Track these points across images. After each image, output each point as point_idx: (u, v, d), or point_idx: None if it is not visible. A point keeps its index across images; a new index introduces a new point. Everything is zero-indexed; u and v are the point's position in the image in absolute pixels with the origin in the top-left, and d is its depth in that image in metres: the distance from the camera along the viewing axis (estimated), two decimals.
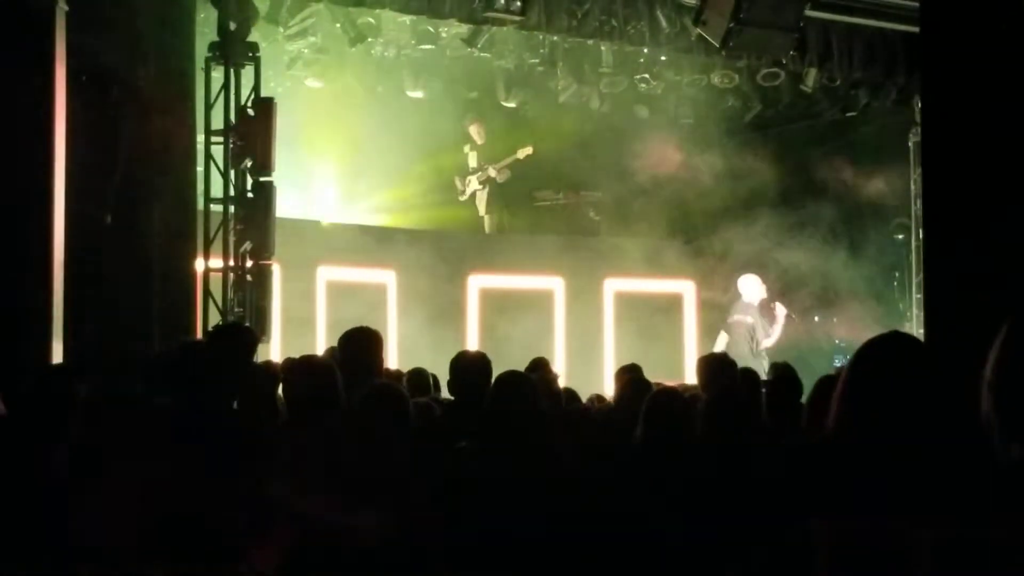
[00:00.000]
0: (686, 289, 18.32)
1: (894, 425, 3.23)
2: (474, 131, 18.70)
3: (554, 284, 17.32)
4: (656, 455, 6.04)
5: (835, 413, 3.35)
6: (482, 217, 18.79)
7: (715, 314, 17.67)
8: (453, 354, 7.21)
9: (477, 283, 16.97)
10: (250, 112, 13.33)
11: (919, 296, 16.75)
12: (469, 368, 7.02)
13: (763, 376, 14.68)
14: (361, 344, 6.89)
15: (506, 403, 5.74)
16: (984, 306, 6.67)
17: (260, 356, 13.40)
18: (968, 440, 3.16)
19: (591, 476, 5.92)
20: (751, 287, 15.98)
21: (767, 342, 15.61)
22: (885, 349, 3.40)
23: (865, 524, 3.21)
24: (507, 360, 7.43)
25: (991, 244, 6.81)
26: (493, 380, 5.89)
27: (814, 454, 3.38)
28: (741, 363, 14.51)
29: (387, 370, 8.32)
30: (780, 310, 15.91)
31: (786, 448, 3.45)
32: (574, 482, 5.71)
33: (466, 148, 18.79)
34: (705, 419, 6.16)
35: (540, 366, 9.64)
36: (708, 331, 17.61)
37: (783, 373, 8.95)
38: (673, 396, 6.38)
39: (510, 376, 5.99)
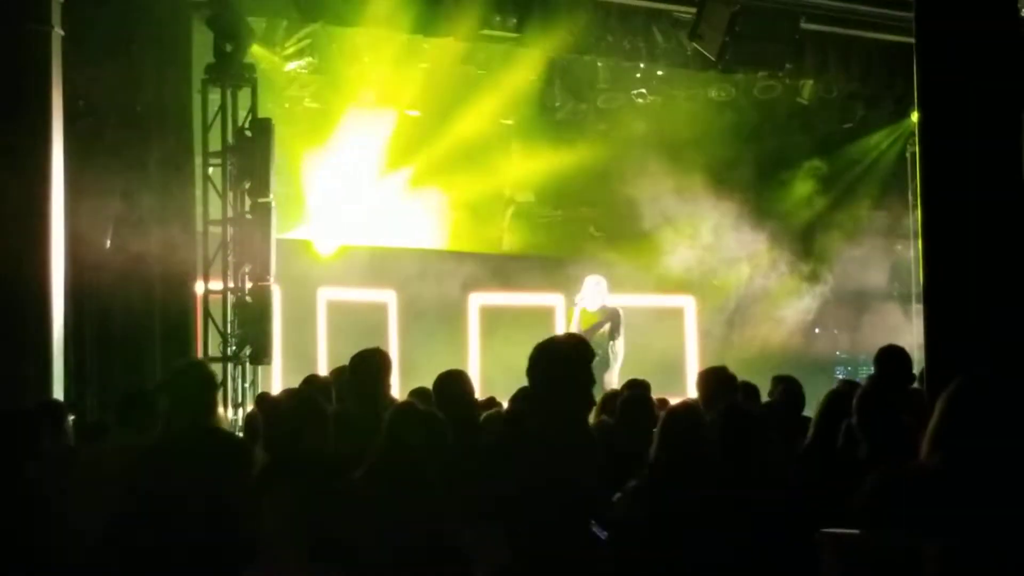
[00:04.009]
0: (686, 304, 18.31)
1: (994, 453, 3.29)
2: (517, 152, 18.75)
3: (555, 301, 17.28)
4: (673, 472, 6.02)
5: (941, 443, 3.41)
6: (503, 235, 18.90)
7: (716, 328, 17.71)
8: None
9: (478, 301, 16.94)
10: (248, 133, 13.35)
11: (919, 306, 16.73)
12: (453, 385, 7.10)
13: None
14: (370, 365, 6.93)
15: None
16: (984, 316, 6.66)
17: (262, 378, 13.46)
18: None
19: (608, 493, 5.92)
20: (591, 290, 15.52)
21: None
22: (982, 391, 3.48)
23: (871, 537, 3.22)
24: (510, 378, 7.43)
25: (989, 253, 6.81)
26: (511, 397, 5.90)
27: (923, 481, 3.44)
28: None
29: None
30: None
31: (883, 473, 3.57)
32: (593, 500, 5.70)
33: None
34: (718, 435, 6.14)
35: None
36: (708, 345, 17.62)
37: (788, 387, 8.94)
38: (688, 412, 6.34)
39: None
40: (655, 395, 8.98)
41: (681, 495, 5.83)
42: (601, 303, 15.01)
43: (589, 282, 15.17)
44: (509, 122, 18.34)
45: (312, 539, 5.28)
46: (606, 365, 14.93)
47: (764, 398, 8.89)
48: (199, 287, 13.10)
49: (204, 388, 6.37)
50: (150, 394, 8.01)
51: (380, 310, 16.16)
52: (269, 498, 5.50)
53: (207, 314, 13.15)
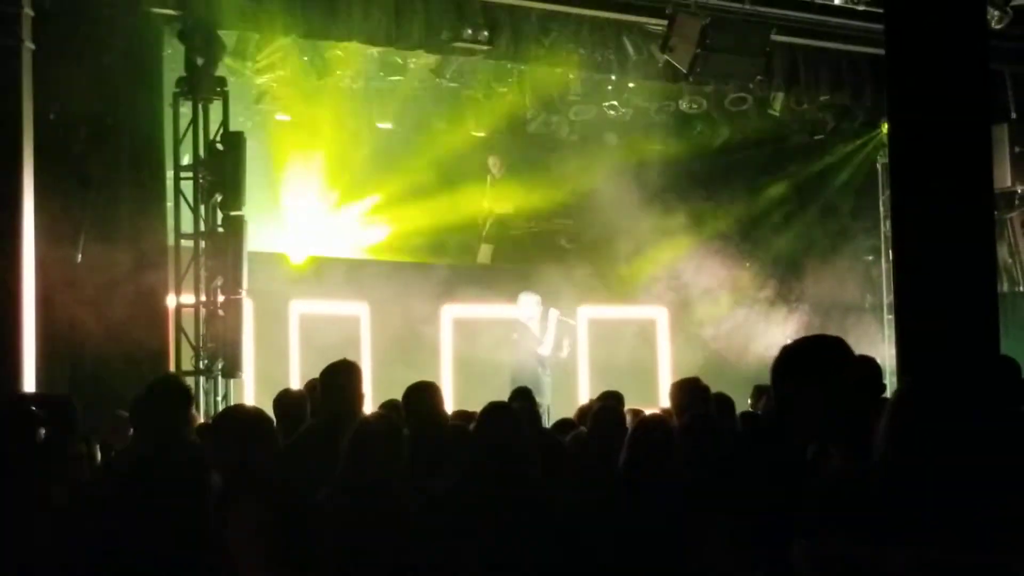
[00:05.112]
0: (659, 315, 18.34)
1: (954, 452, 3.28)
2: (492, 164, 18.75)
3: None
4: (640, 482, 6.04)
5: (891, 442, 3.38)
6: (480, 245, 18.90)
7: (688, 339, 17.76)
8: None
9: (451, 314, 16.93)
10: (219, 147, 13.32)
11: (891, 317, 16.80)
12: (422, 397, 7.12)
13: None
14: (341, 376, 6.93)
15: (496, 433, 5.74)
16: (954, 327, 6.69)
17: (234, 392, 13.42)
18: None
19: (576, 505, 5.93)
20: (523, 304, 15.67)
21: (543, 350, 15.36)
22: (929, 392, 3.46)
23: (846, 548, 3.22)
24: (482, 390, 7.45)
25: (960, 264, 6.84)
26: (481, 411, 5.89)
27: (869, 481, 3.42)
28: (528, 381, 14.36)
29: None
30: (552, 315, 15.66)
31: (829, 475, 3.53)
32: (559, 512, 5.71)
33: (487, 179, 18.87)
34: (683, 445, 6.17)
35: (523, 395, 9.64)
36: (682, 356, 17.64)
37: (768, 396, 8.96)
38: (657, 424, 6.37)
39: (498, 407, 5.99)
40: (629, 406, 9.02)
41: (649, 503, 5.86)
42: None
43: (534, 300, 15.37)
44: (481, 134, 18.36)
45: (278, 558, 5.24)
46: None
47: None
48: (171, 301, 13.06)
49: (176, 403, 6.34)
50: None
51: (353, 323, 16.14)
52: (232, 518, 5.45)
53: (179, 328, 13.11)
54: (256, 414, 5.82)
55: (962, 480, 3.26)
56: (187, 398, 6.56)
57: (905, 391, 3.56)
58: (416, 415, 7.07)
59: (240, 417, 5.88)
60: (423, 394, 7.26)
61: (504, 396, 9.36)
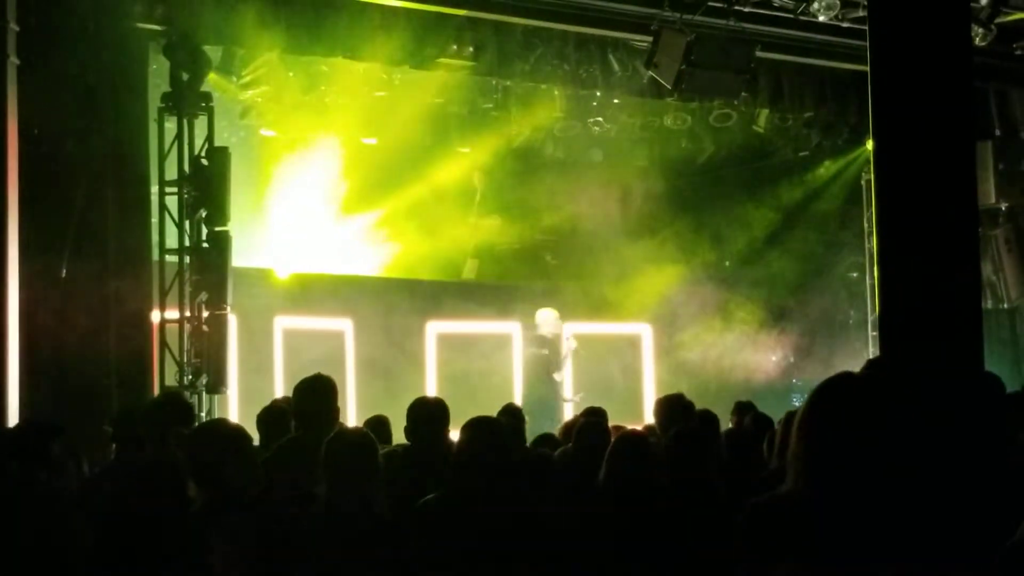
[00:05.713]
0: (643, 331, 18.34)
1: (863, 473, 3.15)
2: (478, 180, 18.82)
3: (512, 329, 17.29)
4: (619, 497, 6.04)
5: (799, 467, 3.25)
6: (466, 261, 18.95)
7: (672, 356, 17.76)
8: (411, 401, 7.23)
9: (435, 329, 16.92)
10: (204, 162, 13.30)
11: (875, 334, 16.83)
12: (429, 415, 7.06)
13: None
14: (316, 392, 6.90)
15: (478, 448, 5.73)
16: (938, 344, 6.71)
17: (219, 407, 13.40)
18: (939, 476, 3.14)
19: (558, 520, 5.92)
20: (547, 320, 15.91)
21: (558, 376, 15.63)
22: (837, 396, 3.30)
23: (825, 567, 3.17)
24: (467, 406, 7.42)
25: (944, 282, 6.86)
26: (463, 425, 5.88)
27: (779, 510, 3.30)
28: (536, 391, 14.67)
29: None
30: (569, 344, 15.89)
31: (748, 505, 3.37)
32: (544, 527, 5.70)
33: (474, 195, 18.92)
34: (667, 460, 6.17)
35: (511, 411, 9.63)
36: (666, 372, 17.64)
37: (758, 414, 8.98)
38: (637, 440, 6.38)
39: (481, 421, 5.97)
40: (613, 422, 9.01)
41: (627, 517, 5.86)
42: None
43: (555, 315, 15.58)
44: (466, 150, 18.36)
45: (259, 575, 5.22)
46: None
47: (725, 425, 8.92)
48: (155, 316, 13.03)
49: (179, 420, 6.34)
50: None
51: (337, 338, 16.11)
52: (211, 535, 5.42)
53: (163, 343, 13.08)
54: (235, 430, 5.81)
55: (899, 494, 3.15)
56: (190, 417, 6.56)
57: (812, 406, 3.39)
58: (418, 428, 7.04)
59: (220, 432, 5.86)
60: (427, 408, 7.23)
61: (489, 411, 9.36)
